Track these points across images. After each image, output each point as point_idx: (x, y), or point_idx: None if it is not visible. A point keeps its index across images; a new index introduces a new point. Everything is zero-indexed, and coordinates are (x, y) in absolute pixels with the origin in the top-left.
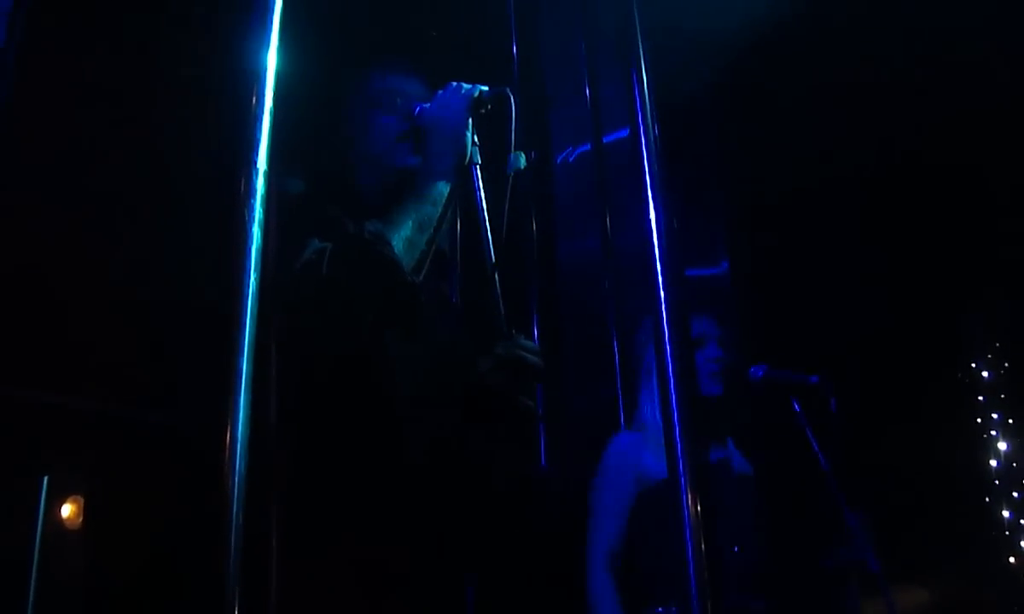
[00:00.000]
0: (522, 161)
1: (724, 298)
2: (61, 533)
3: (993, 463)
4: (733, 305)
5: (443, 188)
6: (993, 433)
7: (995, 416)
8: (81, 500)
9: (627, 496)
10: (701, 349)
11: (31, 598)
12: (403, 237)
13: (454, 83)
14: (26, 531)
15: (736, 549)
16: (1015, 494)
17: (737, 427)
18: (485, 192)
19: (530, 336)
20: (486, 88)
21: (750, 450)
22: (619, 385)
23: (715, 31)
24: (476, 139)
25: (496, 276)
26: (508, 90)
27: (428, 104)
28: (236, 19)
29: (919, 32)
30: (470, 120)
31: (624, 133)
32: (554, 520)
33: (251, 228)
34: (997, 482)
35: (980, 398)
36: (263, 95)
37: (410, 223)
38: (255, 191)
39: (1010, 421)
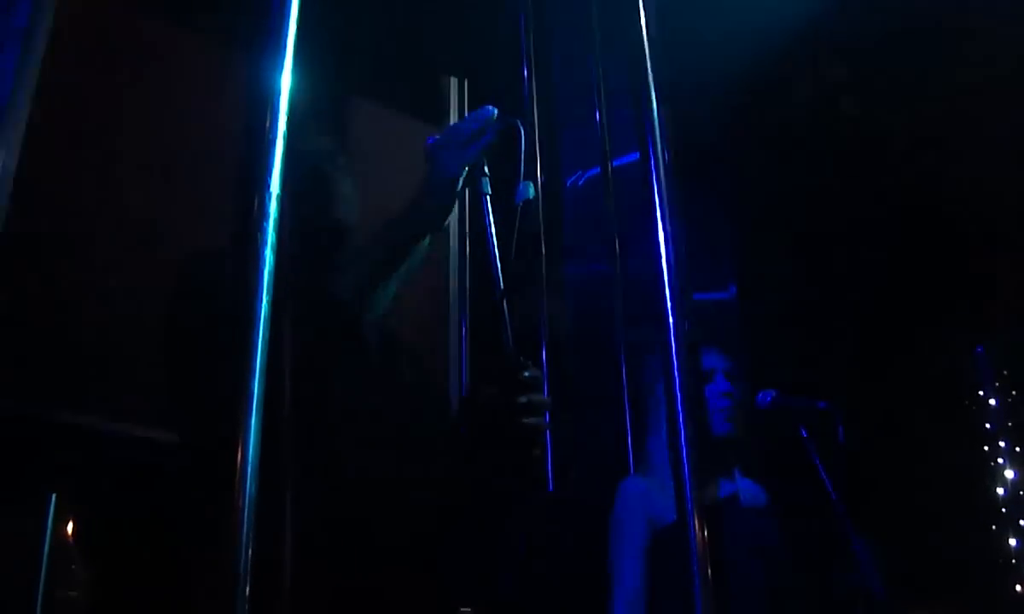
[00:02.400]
0: (531, 191)
1: (731, 323)
2: (68, 550)
3: (1000, 491)
4: (741, 330)
5: (424, 224)
6: (1000, 461)
7: (1002, 444)
8: (87, 517)
9: (642, 541)
10: (709, 383)
11: None
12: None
13: (466, 120)
14: (33, 548)
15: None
16: (1022, 522)
17: (745, 457)
18: (495, 220)
19: (538, 361)
20: (495, 117)
21: (761, 478)
22: (627, 409)
23: (727, 55)
24: (487, 169)
25: (504, 303)
26: (519, 122)
27: (438, 136)
28: (250, 41)
29: (930, 63)
30: (476, 154)
31: (634, 157)
32: (562, 544)
33: (264, 251)
34: (1004, 510)
35: (987, 426)
36: (277, 118)
37: (380, 250)
38: (268, 214)
39: (1017, 449)
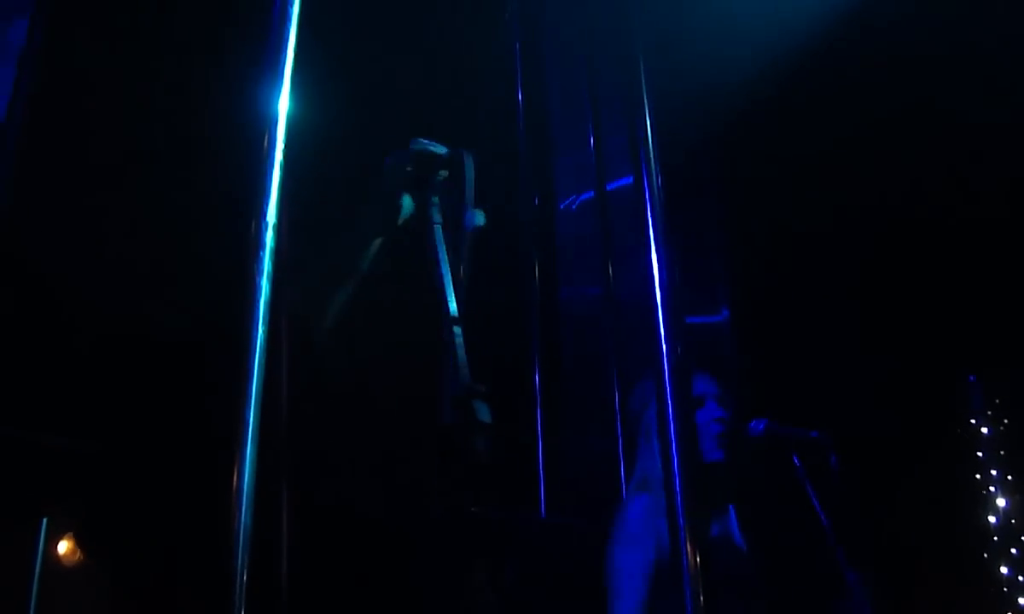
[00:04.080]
0: (480, 219)
1: (724, 347)
2: (59, 573)
3: (992, 519)
4: (733, 355)
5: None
6: (992, 489)
7: (994, 472)
8: (78, 539)
9: (649, 562)
10: (701, 409)
11: None
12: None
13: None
14: (25, 574)
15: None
16: (1014, 551)
17: (740, 494)
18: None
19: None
20: (443, 150)
21: (748, 515)
22: (619, 433)
23: (719, 81)
24: (436, 199)
25: (457, 329)
26: (464, 152)
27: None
28: (247, 72)
29: (925, 87)
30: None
31: (627, 181)
32: (555, 569)
33: (260, 281)
34: (996, 538)
35: (979, 454)
36: (274, 148)
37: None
38: (264, 244)
39: (1009, 478)
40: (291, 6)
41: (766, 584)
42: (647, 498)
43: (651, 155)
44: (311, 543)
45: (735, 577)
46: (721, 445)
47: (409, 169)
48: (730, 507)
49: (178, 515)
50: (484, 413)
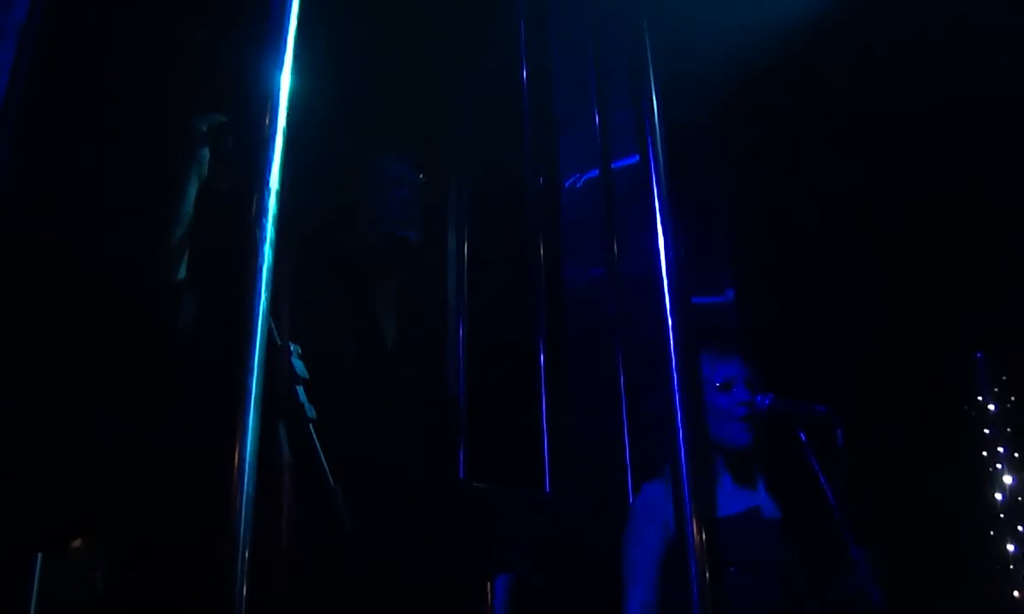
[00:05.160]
0: None
1: (729, 327)
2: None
3: (998, 496)
4: (738, 334)
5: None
6: (999, 466)
7: (1001, 449)
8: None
9: (656, 549)
10: (729, 391)
11: None
12: None
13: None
14: (24, 571)
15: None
16: (1020, 528)
17: (768, 469)
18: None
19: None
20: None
21: (780, 491)
22: (624, 411)
23: (724, 60)
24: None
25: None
26: (225, 119)
27: None
28: (251, 42)
29: (932, 65)
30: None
31: (632, 160)
32: (560, 544)
33: (263, 247)
34: (1002, 515)
35: (986, 431)
36: (276, 116)
37: None
38: (267, 210)
39: (1016, 455)
40: None
41: (792, 561)
42: (657, 486)
43: (656, 133)
44: (311, 528)
45: (762, 555)
46: (748, 429)
47: (204, 129)
48: (759, 483)
49: (177, 505)
50: (300, 369)
